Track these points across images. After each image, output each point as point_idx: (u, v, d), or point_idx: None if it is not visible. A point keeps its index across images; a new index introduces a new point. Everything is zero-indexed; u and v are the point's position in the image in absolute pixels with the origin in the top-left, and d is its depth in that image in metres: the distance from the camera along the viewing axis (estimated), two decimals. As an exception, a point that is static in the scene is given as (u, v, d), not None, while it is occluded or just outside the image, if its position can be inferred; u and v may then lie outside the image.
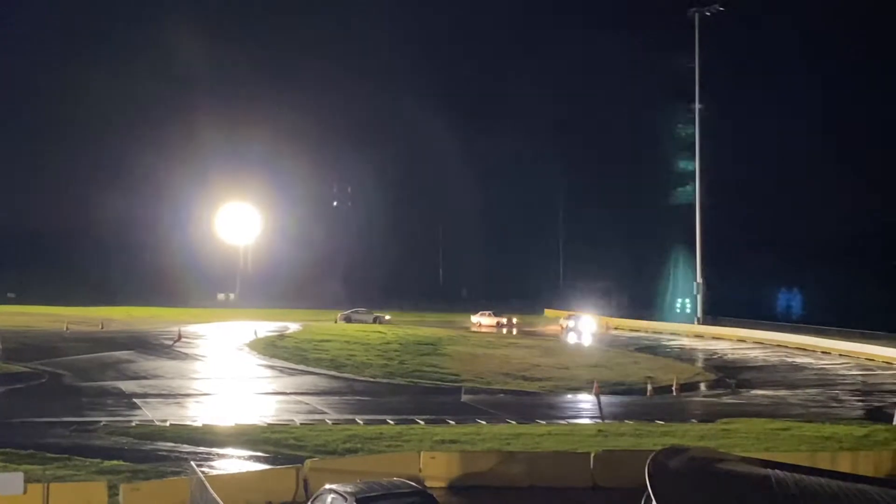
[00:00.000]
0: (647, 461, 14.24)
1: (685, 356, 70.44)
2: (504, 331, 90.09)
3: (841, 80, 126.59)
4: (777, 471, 16.26)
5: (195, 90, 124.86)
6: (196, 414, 42.26)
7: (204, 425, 39.17)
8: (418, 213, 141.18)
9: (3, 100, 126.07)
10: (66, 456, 31.92)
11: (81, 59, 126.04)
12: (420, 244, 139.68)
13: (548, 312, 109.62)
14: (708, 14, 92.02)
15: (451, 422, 40.68)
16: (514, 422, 40.56)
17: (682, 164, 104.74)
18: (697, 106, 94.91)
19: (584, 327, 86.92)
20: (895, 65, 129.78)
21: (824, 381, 57.30)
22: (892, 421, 40.04)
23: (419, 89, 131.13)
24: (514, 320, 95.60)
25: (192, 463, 27.52)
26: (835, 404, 48.39)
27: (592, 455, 30.24)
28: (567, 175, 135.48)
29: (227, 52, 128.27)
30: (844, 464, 29.44)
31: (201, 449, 34.44)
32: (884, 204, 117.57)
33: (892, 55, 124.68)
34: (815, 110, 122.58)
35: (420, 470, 28.64)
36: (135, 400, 45.39)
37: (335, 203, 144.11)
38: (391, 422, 40.26)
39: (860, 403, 48.85)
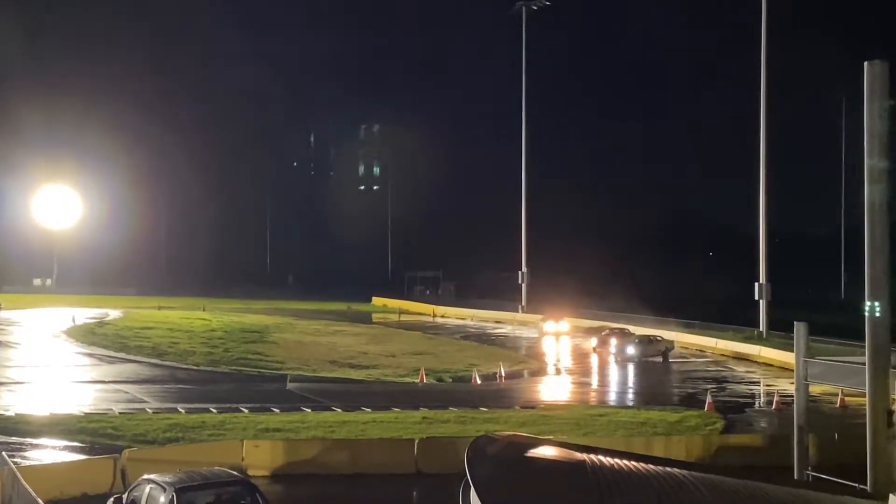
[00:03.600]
0: (467, 448, 14.49)
1: (509, 344, 71.67)
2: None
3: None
4: (593, 455, 16.76)
5: (11, 69, 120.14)
6: (9, 403, 40.80)
7: (17, 414, 37.92)
8: (242, 197, 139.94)
9: None
10: None
11: None
12: (246, 229, 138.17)
13: (376, 300, 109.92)
14: (535, 8, 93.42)
15: (275, 410, 40.40)
16: (339, 409, 40.58)
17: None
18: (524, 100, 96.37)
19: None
20: None
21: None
22: (703, 407, 41.82)
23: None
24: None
25: (4, 454, 26.54)
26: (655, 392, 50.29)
27: (416, 442, 30.57)
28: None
29: (40, 29, 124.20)
30: (658, 448, 30.60)
31: (14, 439, 33.45)
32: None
33: None
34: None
35: (243, 459, 28.50)
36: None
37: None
38: (214, 410, 39.73)
39: (676, 390, 50.87)
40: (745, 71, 77.45)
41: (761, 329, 69.48)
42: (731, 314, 73.29)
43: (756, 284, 70.73)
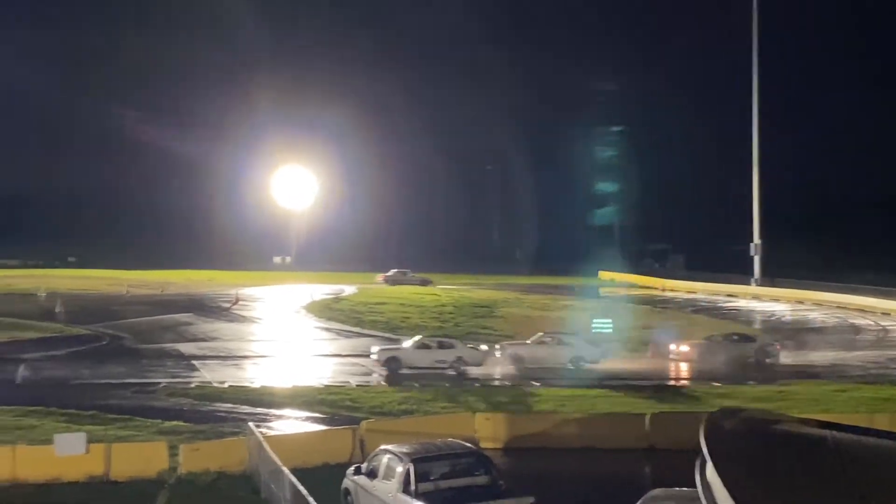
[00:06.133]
0: (702, 422, 14.16)
1: (742, 318, 69.79)
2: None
3: None
4: (834, 431, 16.10)
5: (252, 53, 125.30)
6: (254, 375, 42.75)
7: (261, 387, 39.61)
8: (476, 174, 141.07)
9: (57, 64, 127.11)
10: (128, 417, 32.50)
11: (136, 22, 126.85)
12: (476, 205, 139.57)
13: (603, 274, 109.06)
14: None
15: (506, 383, 40.74)
16: (568, 384, 40.49)
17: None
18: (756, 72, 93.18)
19: None
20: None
21: (884, 343, 56.53)
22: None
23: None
24: None
25: (251, 424, 27.83)
26: (894, 366, 47.70)
27: (647, 417, 30.15)
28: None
29: (283, 13, 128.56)
30: (904, 426, 29.07)
31: (259, 410, 34.87)
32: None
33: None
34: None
35: (475, 431, 28.77)
36: (193, 362, 45.99)
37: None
38: (446, 384, 40.41)
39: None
40: None
41: None
42: None
43: None
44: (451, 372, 43.43)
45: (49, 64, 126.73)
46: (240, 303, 72.08)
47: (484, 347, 46.78)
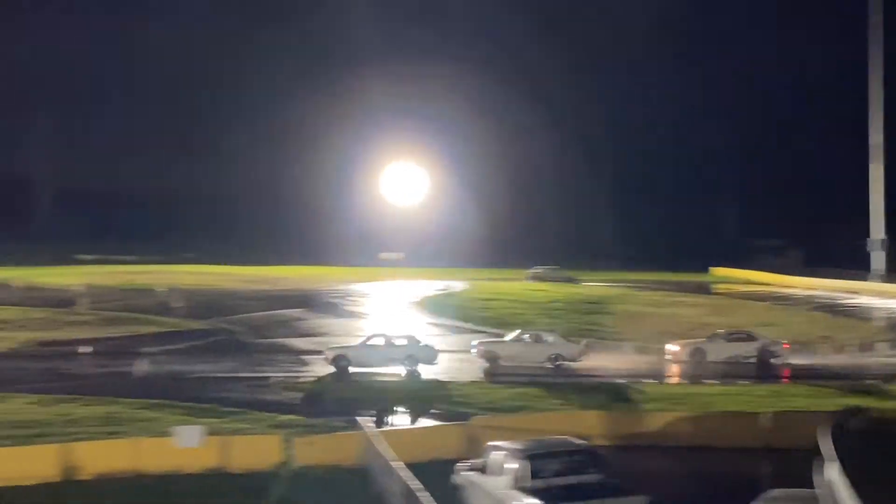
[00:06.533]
0: (826, 422, 13.78)
1: (860, 315, 67.93)
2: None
3: None
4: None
5: (363, 49, 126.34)
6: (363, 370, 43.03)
7: (373, 381, 39.88)
8: (584, 168, 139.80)
9: (180, 66, 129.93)
10: (243, 410, 33.03)
11: (255, 25, 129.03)
12: (586, 201, 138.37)
13: (714, 271, 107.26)
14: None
15: (618, 381, 40.36)
16: (683, 381, 39.91)
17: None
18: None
19: None
20: None
21: None
22: None
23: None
24: None
25: (363, 418, 28.04)
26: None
27: (764, 415, 29.52)
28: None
29: (395, 8, 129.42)
30: None
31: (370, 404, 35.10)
32: None
33: None
34: None
35: (588, 428, 28.44)
36: (305, 356, 46.54)
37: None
38: (548, 379, 40.15)
39: None
40: None
41: None
42: None
43: None
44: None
45: (161, 60, 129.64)
46: (349, 299, 72.78)
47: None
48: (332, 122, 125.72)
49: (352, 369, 41.54)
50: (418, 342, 43.35)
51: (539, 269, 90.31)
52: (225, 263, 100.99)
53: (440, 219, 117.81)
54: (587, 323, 59.47)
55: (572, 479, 20.25)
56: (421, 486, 19.34)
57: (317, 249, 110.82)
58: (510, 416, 31.27)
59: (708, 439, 28.43)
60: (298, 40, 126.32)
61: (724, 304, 72.94)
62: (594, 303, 69.74)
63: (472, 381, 40.10)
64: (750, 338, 46.99)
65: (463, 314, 63.18)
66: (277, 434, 27.80)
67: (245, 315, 61.60)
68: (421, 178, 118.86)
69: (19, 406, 34.43)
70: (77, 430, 30.00)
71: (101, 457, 25.59)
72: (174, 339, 51.66)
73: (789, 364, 45.56)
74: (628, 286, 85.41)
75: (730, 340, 46.54)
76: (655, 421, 29.64)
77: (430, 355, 42.62)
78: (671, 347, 47.01)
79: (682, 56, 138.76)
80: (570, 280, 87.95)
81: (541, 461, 20.43)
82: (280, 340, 52.20)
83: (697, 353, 45.59)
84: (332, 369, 41.65)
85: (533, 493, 19.58)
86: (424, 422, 32.49)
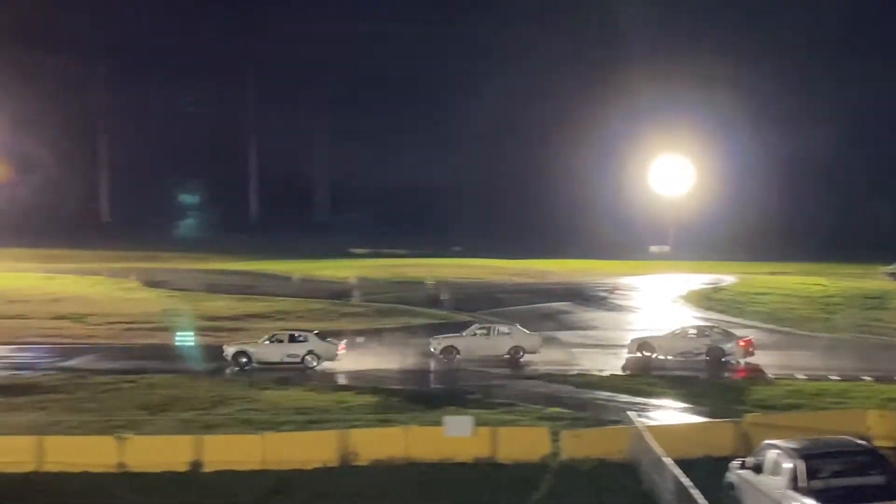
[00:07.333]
0: None
1: None
2: None
3: None
4: None
5: (631, 42, 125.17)
6: (629, 365, 42.71)
7: (640, 376, 39.51)
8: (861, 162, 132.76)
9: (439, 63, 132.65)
10: (510, 402, 33.47)
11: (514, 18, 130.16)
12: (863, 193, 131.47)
13: None
14: None
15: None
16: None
17: None
18: None
19: None
20: None
21: None
22: None
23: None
24: None
25: (631, 413, 27.82)
26: None
27: None
28: None
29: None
30: None
31: (638, 399, 34.89)
32: None
33: None
34: None
35: (868, 428, 27.13)
36: (573, 350, 46.59)
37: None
38: (835, 378, 38.48)
39: None
40: None
41: None
42: None
43: None
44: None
45: (425, 57, 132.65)
46: (617, 292, 72.24)
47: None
48: (600, 114, 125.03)
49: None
50: (321, 339, 43.23)
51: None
52: (491, 257, 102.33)
53: (709, 210, 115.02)
54: (869, 318, 56.62)
55: (853, 481, 19.39)
56: (692, 484, 19.00)
57: (583, 243, 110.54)
58: (785, 413, 30.24)
59: None
60: (565, 33, 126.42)
61: None
62: (875, 297, 66.28)
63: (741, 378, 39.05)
64: (703, 334, 44.25)
65: (733, 309, 61.55)
66: (545, 426, 27.98)
67: (511, 308, 62.19)
68: (689, 170, 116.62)
69: (300, 393, 36.36)
70: (353, 417, 31.30)
71: (375, 443, 26.60)
72: (443, 331, 52.77)
73: None
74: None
75: (684, 337, 44.06)
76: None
77: (331, 352, 42.44)
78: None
79: None
80: None
81: (819, 461, 19.66)
82: (547, 333, 52.38)
83: (643, 348, 43.76)
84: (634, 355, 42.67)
85: (810, 493, 18.86)
86: (694, 418, 31.89)
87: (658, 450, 22.23)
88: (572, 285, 76.76)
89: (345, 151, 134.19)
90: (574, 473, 24.98)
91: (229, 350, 42.90)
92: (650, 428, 25.61)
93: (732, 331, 46.49)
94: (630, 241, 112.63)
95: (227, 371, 42.05)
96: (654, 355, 43.09)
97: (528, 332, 45.30)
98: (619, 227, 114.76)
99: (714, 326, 46.85)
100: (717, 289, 73.95)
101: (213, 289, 70.10)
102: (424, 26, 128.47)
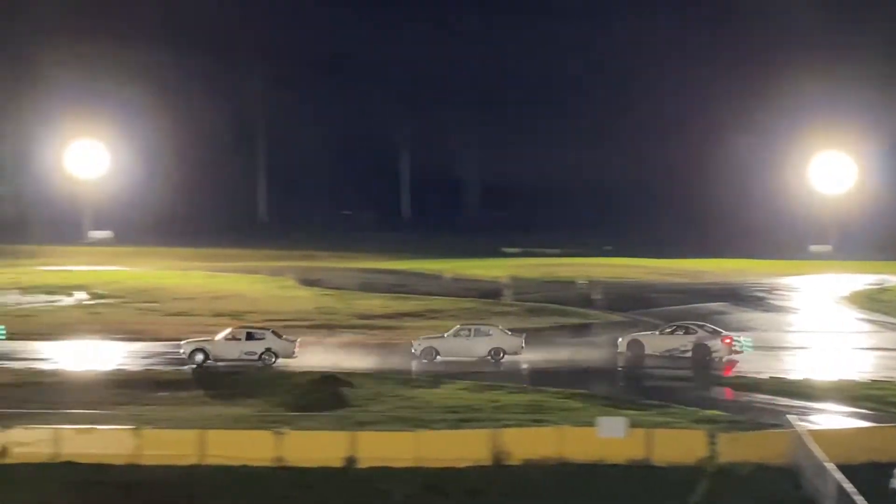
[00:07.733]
0: None
1: None
2: None
3: None
4: None
5: (793, 38, 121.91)
6: (791, 367, 41.65)
7: (801, 379, 38.47)
8: None
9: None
10: (664, 403, 32.98)
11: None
12: None
13: None
14: None
15: None
16: None
17: None
18: None
19: None
20: None
21: None
22: None
23: None
24: None
25: (791, 416, 27.07)
26: None
27: None
28: None
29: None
30: None
31: (798, 402, 34.05)
32: None
33: None
34: None
35: None
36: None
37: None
38: None
39: None
40: None
41: None
42: None
43: None
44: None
45: (574, 57, 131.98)
46: (775, 292, 70.47)
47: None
48: (757, 109, 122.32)
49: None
50: (279, 337, 42.66)
51: None
52: (642, 256, 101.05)
53: (872, 209, 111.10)
54: None
55: None
56: (855, 490, 18.37)
57: (740, 242, 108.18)
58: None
59: None
60: (731, 33, 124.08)
61: None
62: None
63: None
64: (689, 331, 43.76)
65: (896, 310, 59.36)
66: (702, 429, 27.48)
67: (664, 308, 61.24)
68: (849, 167, 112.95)
69: (451, 392, 36.57)
70: (504, 416, 31.32)
71: (527, 443, 26.56)
72: (596, 331, 52.36)
73: None
74: None
75: (667, 334, 43.96)
76: None
77: (288, 350, 41.87)
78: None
79: None
80: None
81: None
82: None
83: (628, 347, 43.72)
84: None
85: None
86: (858, 422, 30.87)
87: (819, 454, 21.58)
88: (728, 285, 75.16)
89: (496, 150, 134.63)
90: (731, 477, 24.48)
91: (187, 347, 42.05)
92: (811, 432, 24.89)
93: (719, 329, 45.23)
94: (789, 241, 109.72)
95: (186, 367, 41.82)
96: (643, 352, 42.98)
97: (509, 333, 44.52)
98: (778, 225, 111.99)
99: (703, 325, 45.76)
100: (882, 289, 71.44)
101: (366, 287, 71.05)
102: (578, 23, 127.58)
